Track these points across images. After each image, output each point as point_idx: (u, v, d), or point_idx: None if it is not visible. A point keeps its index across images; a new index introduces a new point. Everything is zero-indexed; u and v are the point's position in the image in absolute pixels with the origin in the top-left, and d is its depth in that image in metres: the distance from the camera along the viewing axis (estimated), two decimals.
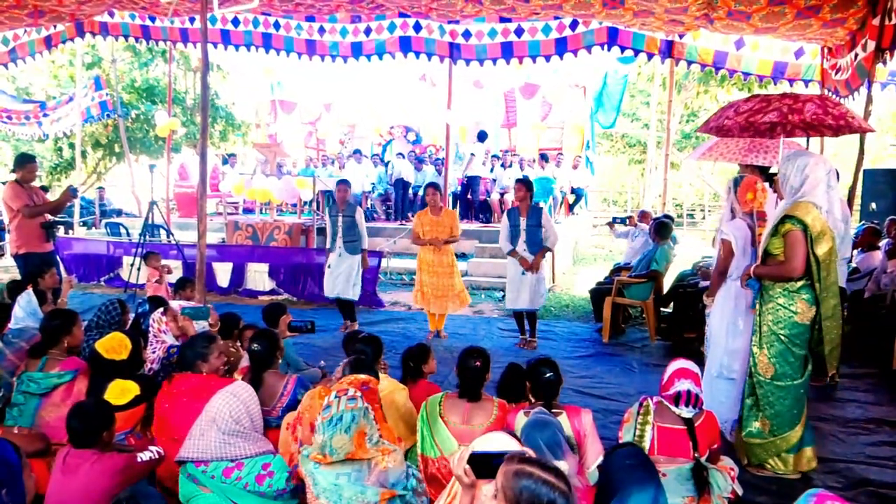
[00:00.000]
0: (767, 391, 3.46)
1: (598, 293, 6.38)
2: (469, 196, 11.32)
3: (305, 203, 12.36)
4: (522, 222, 5.56)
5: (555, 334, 6.32)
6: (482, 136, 11.92)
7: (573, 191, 12.06)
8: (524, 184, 5.58)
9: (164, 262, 6.20)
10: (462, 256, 10.04)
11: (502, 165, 11.42)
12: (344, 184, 6.21)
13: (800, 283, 3.38)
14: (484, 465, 1.95)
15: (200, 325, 3.75)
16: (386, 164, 12.28)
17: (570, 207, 12.31)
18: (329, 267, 6.15)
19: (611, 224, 7.43)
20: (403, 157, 12.27)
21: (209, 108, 4.90)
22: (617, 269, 6.83)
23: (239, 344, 4.03)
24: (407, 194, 11.64)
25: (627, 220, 7.06)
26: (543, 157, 11.70)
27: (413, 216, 6.25)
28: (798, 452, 3.49)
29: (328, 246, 6.22)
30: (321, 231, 10.14)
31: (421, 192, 11.43)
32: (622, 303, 6.14)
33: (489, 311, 7.46)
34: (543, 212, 5.58)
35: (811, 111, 4.45)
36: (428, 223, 5.98)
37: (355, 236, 6.11)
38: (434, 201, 5.92)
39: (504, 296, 7.81)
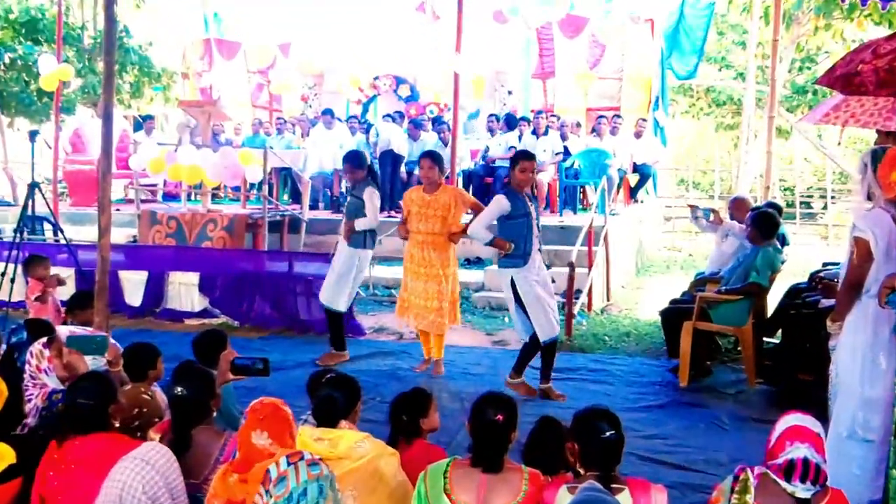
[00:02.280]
0: None
1: (673, 316, 6.36)
2: (489, 178, 11.34)
3: (253, 186, 12.43)
4: (533, 209, 5.52)
5: (610, 375, 6.32)
6: (511, 122, 11.90)
7: (636, 169, 12.06)
8: (524, 156, 5.51)
9: (52, 270, 6.20)
10: (476, 262, 10.08)
11: (534, 132, 11.43)
12: (352, 162, 6.37)
13: None
14: None
15: (94, 362, 3.73)
16: (367, 130, 12.32)
17: (632, 193, 12.31)
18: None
19: (693, 209, 7.38)
20: (393, 119, 12.30)
21: (116, 51, 4.92)
22: (700, 282, 6.80)
23: (159, 391, 4.02)
24: (398, 173, 11.67)
25: (712, 214, 7.03)
26: (601, 122, 11.68)
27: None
28: None
29: None
30: (275, 226, 10.19)
31: (417, 170, 11.41)
32: (708, 330, 6.11)
33: (515, 342, 7.44)
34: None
35: None
36: (417, 203, 6.01)
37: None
38: (430, 176, 5.95)
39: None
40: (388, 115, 12.54)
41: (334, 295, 6.38)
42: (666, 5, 13.67)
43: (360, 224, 6.32)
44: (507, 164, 11.35)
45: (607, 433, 2.87)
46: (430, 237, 5.98)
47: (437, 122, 12.52)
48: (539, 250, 5.60)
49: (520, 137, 11.71)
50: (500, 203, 5.50)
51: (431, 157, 6.04)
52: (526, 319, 5.61)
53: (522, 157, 5.58)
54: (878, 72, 4.55)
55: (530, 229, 5.55)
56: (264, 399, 2.95)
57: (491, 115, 12.33)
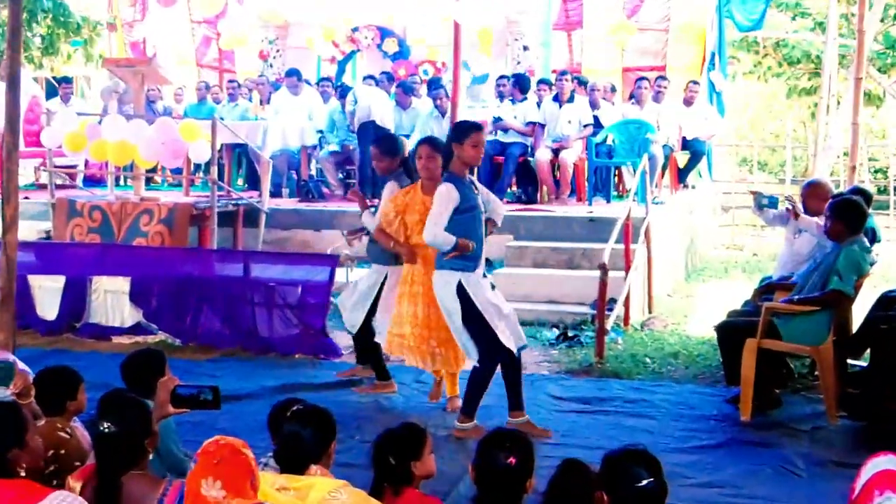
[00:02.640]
0: None
1: (733, 332, 6.37)
2: (500, 157, 11.37)
3: (198, 168, 12.44)
4: (479, 200, 5.66)
5: (653, 407, 6.33)
6: (523, 84, 11.93)
7: (686, 145, 12.09)
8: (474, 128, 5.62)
9: None
10: (485, 264, 10.06)
11: (556, 99, 11.45)
12: (380, 147, 6.36)
13: None
14: None
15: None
16: (344, 96, 12.35)
17: (681, 176, 12.33)
18: None
19: (757, 196, 7.38)
20: (376, 82, 12.33)
21: None
22: (767, 288, 6.82)
23: (80, 427, 4.04)
24: None
25: (786, 202, 7.05)
26: (641, 86, 11.70)
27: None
28: None
29: None
30: (227, 218, 10.20)
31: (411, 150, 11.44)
32: (776, 350, 6.13)
33: (533, 364, 7.46)
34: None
35: None
36: (412, 206, 5.99)
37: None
38: (431, 169, 5.90)
39: (559, 333, 7.84)
40: (371, 77, 12.57)
41: (356, 315, 6.43)
42: None
43: (366, 220, 6.28)
44: (522, 139, 11.52)
45: (644, 480, 2.90)
46: (433, 249, 5.94)
47: (432, 85, 12.53)
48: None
49: (538, 105, 11.73)
50: (449, 194, 5.50)
51: (432, 143, 5.99)
52: (475, 336, 5.57)
53: (472, 129, 5.60)
54: None
55: (480, 224, 5.61)
56: (220, 439, 2.97)
57: (502, 76, 12.34)
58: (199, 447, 4.68)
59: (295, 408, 3.58)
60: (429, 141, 6.11)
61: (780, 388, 6.46)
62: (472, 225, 5.57)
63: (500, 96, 11.86)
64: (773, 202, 7.36)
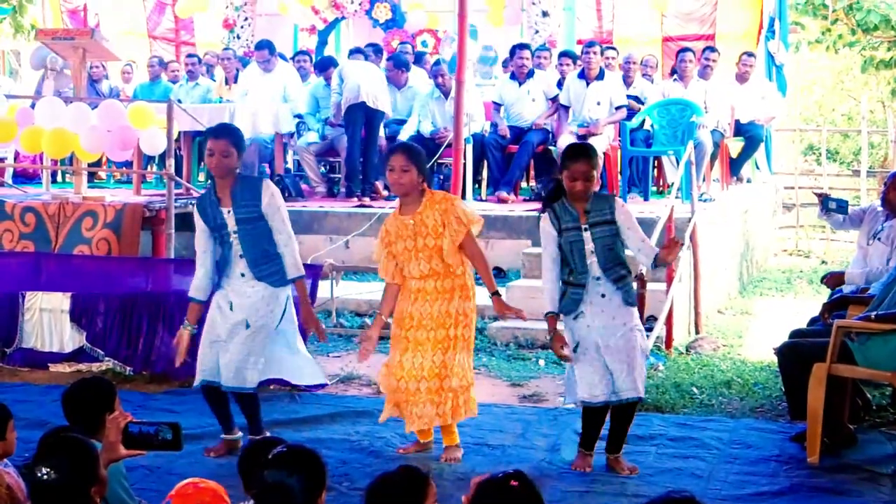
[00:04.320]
0: None
1: (798, 356, 6.38)
2: (513, 146, 11.40)
3: (152, 160, 12.44)
4: (587, 235, 5.76)
5: (702, 446, 6.33)
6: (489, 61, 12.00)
7: (740, 130, 12.10)
8: (583, 154, 5.79)
9: None
10: (495, 275, 10.03)
11: (582, 75, 11.47)
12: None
13: None
14: None
15: None
16: (324, 71, 12.35)
17: (734, 167, 12.34)
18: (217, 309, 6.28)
19: (823, 199, 7.41)
20: (365, 56, 12.36)
21: None
22: (838, 302, 6.82)
23: (12, 473, 4.04)
24: (374, 138, 11.71)
25: (885, 202, 7.04)
26: (685, 59, 11.71)
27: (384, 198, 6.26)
28: None
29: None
30: (186, 221, 10.17)
31: (404, 136, 11.50)
32: (850, 376, 6.13)
33: (556, 395, 7.47)
34: (621, 210, 5.84)
35: None
36: (400, 236, 6.03)
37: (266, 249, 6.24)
38: (404, 183, 5.94)
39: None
40: (358, 51, 12.60)
41: (236, 367, 6.30)
42: None
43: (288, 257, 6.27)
44: (543, 124, 11.55)
45: None
46: (433, 280, 5.98)
47: (435, 64, 12.57)
48: (602, 280, 5.79)
49: (560, 83, 11.74)
50: (543, 229, 5.84)
51: (407, 153, 6.00)
52: None
53: (566, 160, 5.77)
54: None
55: (579, 257, 5.79)
56: (199, 481, 2.99)
57: (517, 45, 12.34)
58: (155, 497, 4.72)
59: (276, 450, 3.57)
60: (403, 150, 6.09)
61: (854, 424, 6.44)
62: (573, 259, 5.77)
63: (514, 76, 11.86)
64: (842, 206, 7.39)
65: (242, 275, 6.07)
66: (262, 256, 6.06)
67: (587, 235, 5.74)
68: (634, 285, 6.06)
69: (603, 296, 5.75)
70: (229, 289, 6.10)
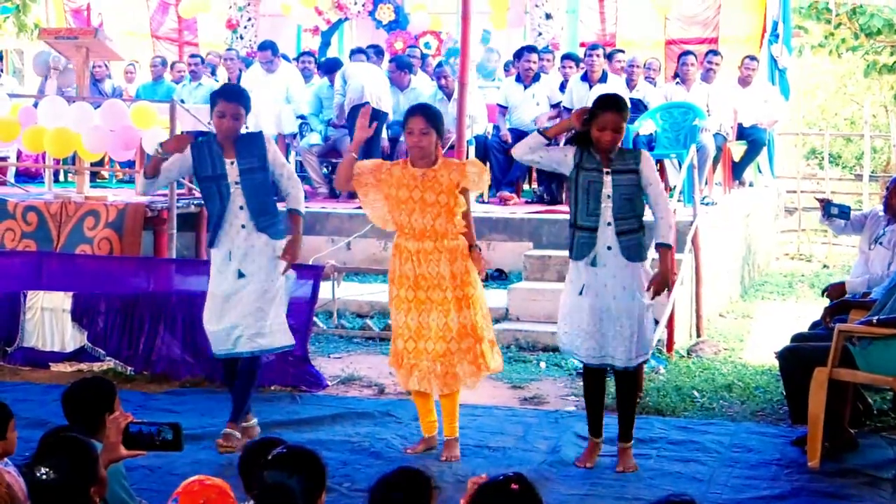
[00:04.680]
0: None
1: (799, 360, 6.38)
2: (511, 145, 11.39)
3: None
4: (607, 179, 5.73)
5: (703, 450, 6.33)
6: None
7: (742, 134, 12.10)
8: (613, 105, 5.78)
9: None
10: (497, 278, 10.09)
11: (585, 78, 11.48)
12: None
13: None
14: None
15: None
16: (330, 73, 12.37)
17: (737, 171, 12.34)
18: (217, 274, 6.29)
19: (825, 204, 7.41)
20: (368, 57, 12.36)
21: None
22: (840, 306, 6.82)
23: (13, 472, 4.04)
24: (376, 138, 11.68)
25: (887, 207, 7.04)
26: (687, 62, 11.72)
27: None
28: None
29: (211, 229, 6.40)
30: (188, 221, 10.17)
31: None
32: (851, 381, 6.12)
33: (557, 397, 7.47)
34: (647, 162, 5.85)
35: None
36: (403, 184, 6.00)
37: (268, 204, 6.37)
38: (424, 146, 5.95)
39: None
40: (360, 51, 12.61)
41: (251, 327, 6.33)
42: None
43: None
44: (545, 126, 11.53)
45: None
46: (432, 240, 5.96)
47: (438, 66, 12.57)
48: (612, 228, 5.80)
49: (562, 86, 11.75)
50: (557, 151, 5.95)
51: (425, 114, 5.99)
52: None
53: (597, 110, 5.75)
54: None
55: (595, 201, 5.78)
56: (205, 478, 2.99)
57: (524, 48, 12.35)
58: (155, 497, 4.72)
59: (277, 451, 3.56)
60: (423, 112, 6.04)
61: (856, 428, 6.44)
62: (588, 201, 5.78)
63: (519, 78, 11.86)
64: (844, 212, 7.40)
65: (243, 226, 6.11)
66: (262, 208, 6.14)
67: (607, 179, 5.73)
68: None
69: (609, 248, 5.74)
70: (230, 245, 6.12)
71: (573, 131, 5.93)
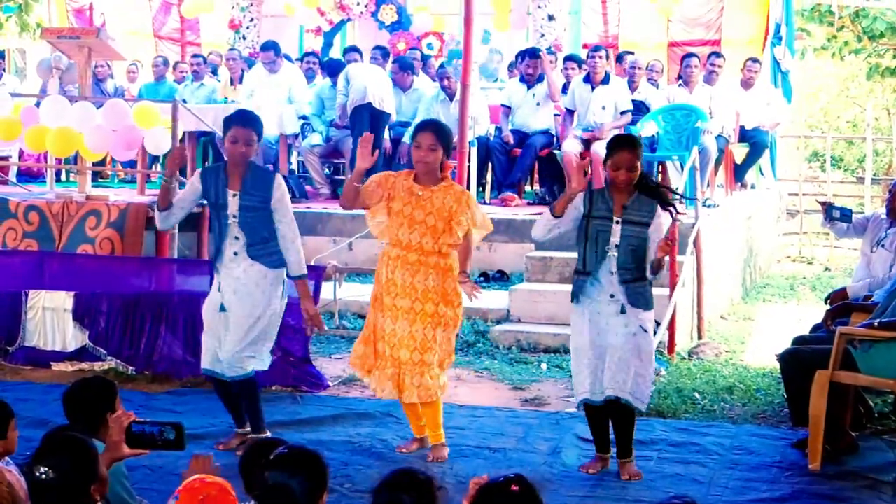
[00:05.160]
0: None
1: (800, 363, 6.38)
2: (517, 150, 11.41)
3: (156, 160, 12.45)
4: (616, 228, 5.75)
5: (704, 451, 6.34)
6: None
7: (744, 136, 12.09)
8: (627, 144, 5.83)
9: None
10: (499, 279, 10.10)
11: (587, 80, 11.48)
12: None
13: None
14: None
15: None
16: (333, 74, 12.38)
17: (739, 173, 12.33)
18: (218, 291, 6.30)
19: (827, 208, 7.41)
20: (361, 55, 12.37)
21: None
22: (841, 309, 6.82)
23: (14, 471, 4.05)
24: (379, 139, 11.68)
25: (890, 210, 7.04)
26: (690, 64, 11.72)
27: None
28: None
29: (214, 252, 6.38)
30: (190, 221, 10.17)
31: (408, 139, 11.44)
32: (852, 383, 6.12)
33: (559, 399, 7.47)
34: (659, 223, 5.83)
35: None
36: (401, 197, 6.02)
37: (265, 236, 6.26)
38: (429, 162, 5.97)
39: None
40: (354, 49, 12.68)
41: (234, 352, 6.32)
42: None
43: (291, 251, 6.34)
44: (545, 125, 11.55)
45: None
46: (416, 254, 5.98)
47: (440, 67, 12.56)
48: (614, 276, 5.78)
49: (565, 88, 11.75)
50: (571, 203, 5.83)
51: (436, 130, 6.01)
52: None
53: (612, 149, 5.80)
54: None
55: (603, 242, 5.77)
56: (206, 476, 3.00)
57: (522, 52, 12.36)
58: (157, 496, 4.72)
59: (278, 451, 3.56)
60: (432, 127, 6.09)
61: (856, 431, 6.44)
62: (596, 242, 5.79)
63: (523, 79, 11.85)
64: (846, 215, 7.39)
65: (235, 254, 6.08)
66: (259, 241, 6.09)
67: (616, 229, 5.73)
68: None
69: (612, 295, 5.74)
70: (223, 274, 6.12)
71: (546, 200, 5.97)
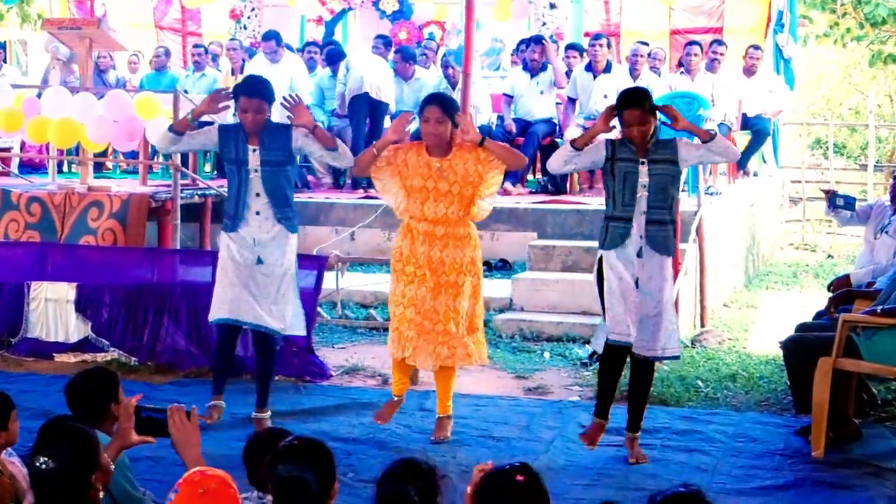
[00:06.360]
0: None
1: (803, 350, 6.38)
2: (520, 138, 11.39)
3: (156, 151, 12.41)
4: (643, 169, 5.77)
5: (707, 439, 6.35)
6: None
7: (747, 124, 12.08)
8: (634, 101, 5.85)
9: None
10: (501, 268, 10.11)
11: (589, 68, 11.46)
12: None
13: None
14: None
15: None
16: (334, 64, 12.35)
17: (741, 161, 12.29)
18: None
19: (830, 196, 7.41)
20: (373, 48, 12.35)
21: None
22: (844, 296, 6.81)
23: (16, 462, 4.05)
24: (379, 129, 11.68)
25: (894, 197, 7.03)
26: (692, 52, 11.70)
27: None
28: None
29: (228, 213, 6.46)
30: (192, 212, 10.18)
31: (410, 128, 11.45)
32: (855, 371, 6.12)
33: (562, 387, 7.48)
34: (684, 146, 5.98)
35: None
36: (419, 172, 6.04)
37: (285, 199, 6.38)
38: (439, 134, 6.01)
39: (593, 351, 7.86)
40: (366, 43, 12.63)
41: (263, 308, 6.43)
42: None
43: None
44: (548, 114, 11.52)
45: None
46: (443, 227, 5.99)
47: (443, 55, 12.54)
48: (641, 231, 5.79)
49: (568, 75, 11.72)
50: (591, 150, 5.96)
51: (441, 103, 6.07)
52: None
53: (622, 105, 5.86)
54: None
55: (631, 193, 5.79)
56: (206, 469, 3.00)
57: (526, 40, 12.33)
58: (159, 487, 4.71)
59: (287, 442, 3.53)
60: (438, 100, 6.13)
61: (860, 418, 6.44)
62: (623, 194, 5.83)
63: (526, 65, 11.82)
64: (849, 203, 7.38)
65: (258, 213, 6.16)
66: (280, 199, 6.19)
67: (643, 169, 5.77)
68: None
69: (641, 237, 5.76)
70: (243, 231, 6.18)
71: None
